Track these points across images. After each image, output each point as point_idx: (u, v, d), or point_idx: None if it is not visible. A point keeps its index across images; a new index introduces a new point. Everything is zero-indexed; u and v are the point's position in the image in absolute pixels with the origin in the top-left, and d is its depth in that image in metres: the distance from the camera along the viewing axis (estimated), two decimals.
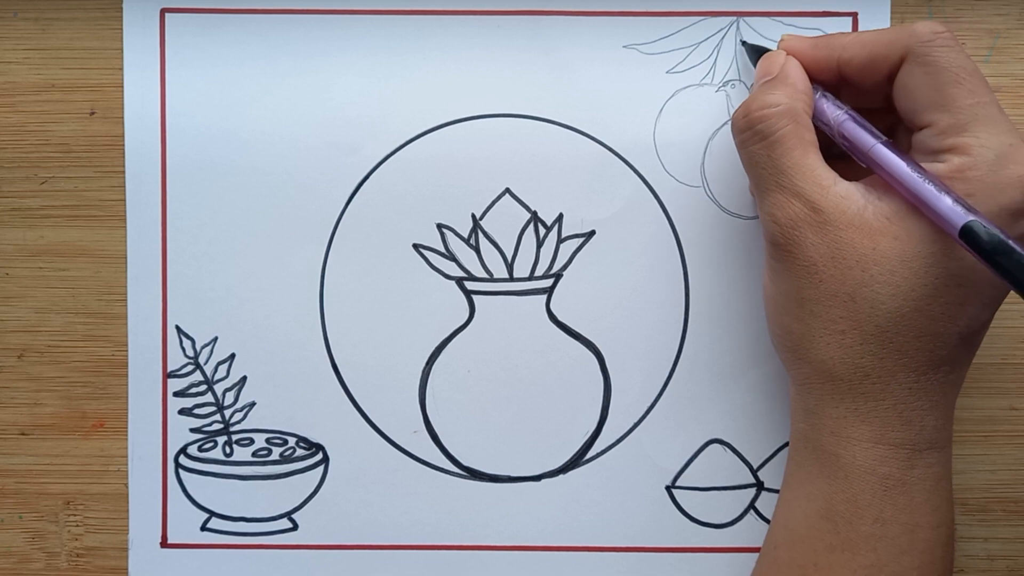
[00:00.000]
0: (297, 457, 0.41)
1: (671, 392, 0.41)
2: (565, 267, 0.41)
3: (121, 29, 0.41)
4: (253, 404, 0.41)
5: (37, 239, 0.41)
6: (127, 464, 0.42)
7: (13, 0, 0.41)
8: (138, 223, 0.41)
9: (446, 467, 0.41)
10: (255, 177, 0.41)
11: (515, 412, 0.41)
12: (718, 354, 0.41)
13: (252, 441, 0.41)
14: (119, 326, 0.41)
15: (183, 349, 0.41)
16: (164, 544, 0.42)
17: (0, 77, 0.41)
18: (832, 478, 0.35)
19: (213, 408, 0.41)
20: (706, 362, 0.41)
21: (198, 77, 0.41)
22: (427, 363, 0.41)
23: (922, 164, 0.34)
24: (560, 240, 0.41)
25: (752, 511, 0.41)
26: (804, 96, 0.35)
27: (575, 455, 0.41)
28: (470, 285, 0.41)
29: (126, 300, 0.41)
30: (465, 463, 0.41)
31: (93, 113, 0.41)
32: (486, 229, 0.41)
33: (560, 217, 0.41)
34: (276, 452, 0.41)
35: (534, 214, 0.41)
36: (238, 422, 0.41)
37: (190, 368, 0.41)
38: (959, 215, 0.31)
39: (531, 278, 0.41)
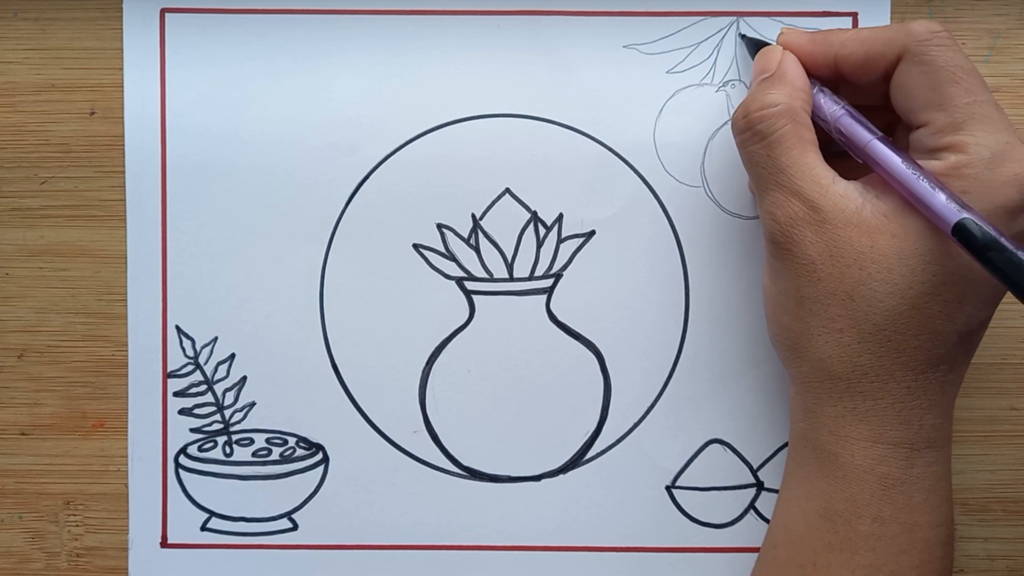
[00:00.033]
0: (297, 457, 0.41)
1: (671, 392, 0.41)
2: (565, 267, 0.41)
3: (121, 29, 0.41)
4: (253, 404, 0.41)
5: (37, 239, 0.41)
6: (127, 464, 0.42)
7: (13, 0, 0.41)
8: (138, 223, 0.41)
9: (446, 467, 0.41)
10: (255, 177, 0.41)
11: (515, 412, 0.41)
12: (718, 354, 0.41)
13: (252, 441, 0.41)
14: (119, 326, 0.41)
15: (183, 349, 0.41)
16: (164, 544, 0.42)
17: (0, 77, 0.41)
18: (831, 477, 0.35)
19: (213, 408, 0.41)
20: (706, 362, 0.41)
21: (198, 77, 0.41)
22: (427, 363, 0.41)
23: (919, 162, 0.34)
24: (560, 240, 0.41)
25: (752, 511, 0.41)
26: (802, 94, 0.35)
27: (575, 455, 0.41)
28: (470, 285, 0.41)
29: (126, 300, 0.41)
30: (465, 463, 0.41)
31: (93, 113, 0.41)
32: (486, 229, 0.41)
33: (560, 217, 0.41)
34: (276, 452, 0.41)
35: (534, 214, 0.41)
36: (238, 422, 0.41)
37: (190, 368, 0.41)
38: (952, 212, 0.31)
39: (531, 278, 0.41)
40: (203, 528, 0.41)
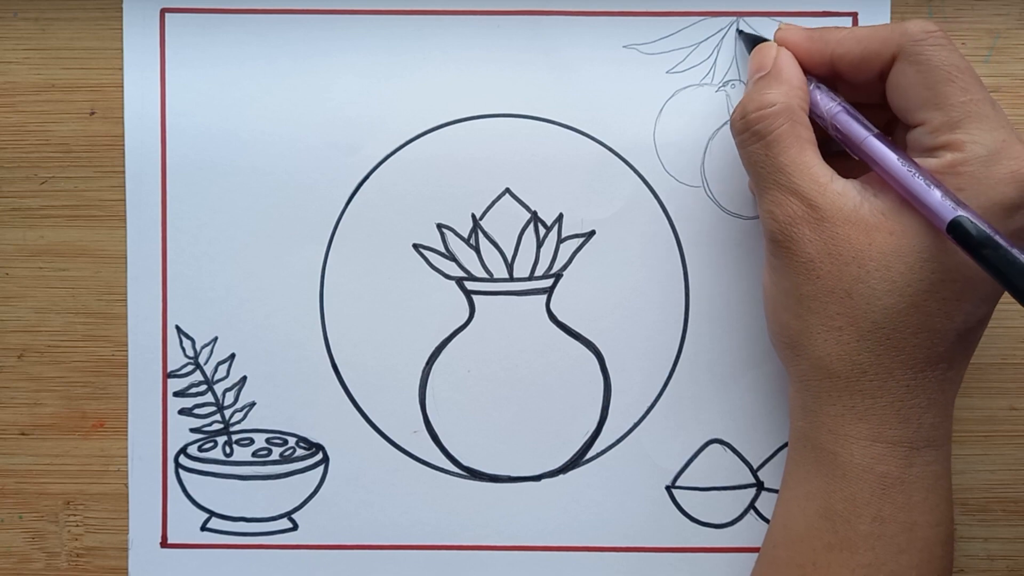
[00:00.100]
0: (297, 457, 0.41)
1: (671, 392, 0.41)
2: (565, 267, 0.41)
3: (121, 29, 0.41)
4: (253, 404, 0.41)
5: (37, 239, 0.41)
6: (127, 464, 0.42)
7: (13, 0, 0.41)
8: (138, 223, 0.41)
9: (446, 467, 0.41)
10: (255, 177, 0.41)
11: (515, 412, 0.41)
12: (718, 354, 0.41)
13: (252, 441, 0.41)
14: (119, 326, 0.41)
15: (183, 349, 0.41)
16: (164, 544, 0.42)
17: (0, 77, 0.41)
18: (830, 477, 0.35)
19: (213, 408, 0.41)
20: (706, 362, 0.41)
21: (198, 77, 0.41)
22: (427, 363, 0.41)
23: (916, 160, 0.34)
24: (560, 240, 0.41)
25: (752, 511, 0.41)
26: (799, 92, 0.35)
27: (575, 455, 0.41)
28: (470, 285, 0.41)
29: (126, 300, 0.41)
30: (465, 463, 0.41)
31: (93, 113, 0.41)
32: (486, 229, 0.41)
33: (560, 217, 0.41)
34: (276, 452, 0.41)
35: (534, 214, 0.41)
36: (238, 422, 0.41)
37: (190, 368, 0.41)
38: (948, 209, 0.31)
39: (531, 278, 0.41)
40: (203, 528, 0.41)
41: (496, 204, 0.41)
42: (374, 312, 0.41)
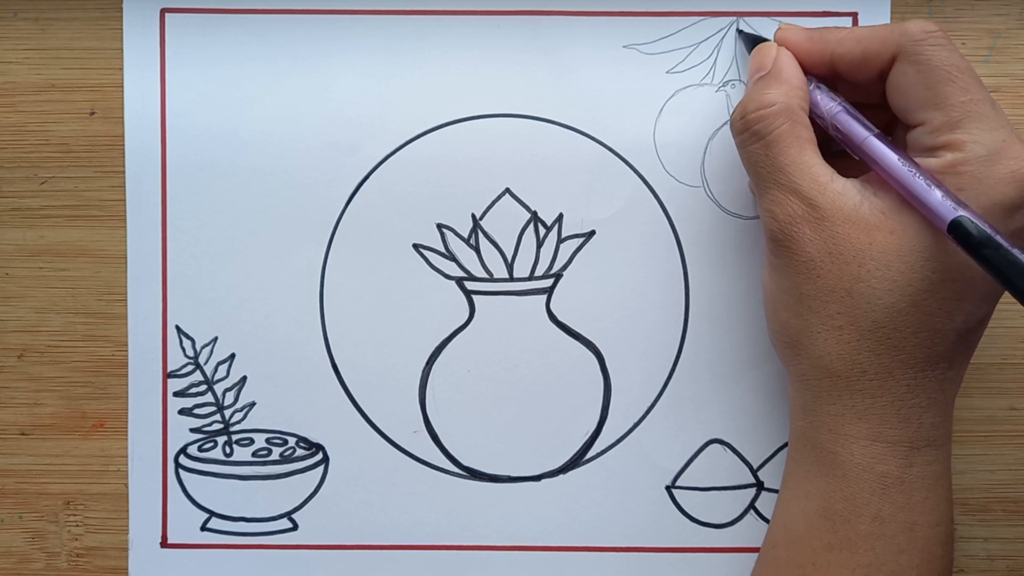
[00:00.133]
0: (297, 457, 0.41)
1: (671, 392, 0.41)
2: (565, 267, 0.41)
3: (121, 29, 0.41)
4: (253, 404, 0.41)
5: (37, 239, 0.41)
6: (127, 464, 0.42)
7: (13, 0, 0.41)
8: (138, 223, 0.41)
9: (446, 467, 0.41)
10: (255, 177, 0.41)
11: (515, 412, 0.41)
12: (718, 354, 0.41)
13: (252, 441, 0.41)
14: (119, 326, 0.41)
15: (183, 349, 0.41)
16: (164, 544, 0.42)
17: (0, 77, 0.41)
18: (830, 476, 0.35)
19: (213, 408, 0.41)
20: (706, 362, 0.41)
21: (198, 77, 0.41)
22: (427, 363, 0.41)
23: (916, 160, 0.34)
24: (560, 240, 0.41)
25: (752, 511, 0.41)
26: (799, 92, 0.35)
27: (575, 455, 0.41)
28: (470, 285, 0.41)
29: (126, 300, 0.41)
30: (465, 463, 0.41)
31: (93, 113, 0.41)
32: (486, 229, 0.41)
33: (560, 217, 0.41)
34: (276, 452, 0.41)
35: (534, 214, 0.41)
36: (238, 422, 0.41)
37: (190, 368, 0.41)
38: (948, 210, 0.31)
39: (531, 278, 0.41)
40: (203, 528, 0.41)
41: (496, 204, 0.41)
42: (374, 312, 0.41)
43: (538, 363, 0.41)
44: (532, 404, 0.41)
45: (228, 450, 0.41)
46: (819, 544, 0.35)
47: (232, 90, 0.41)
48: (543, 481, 0.41)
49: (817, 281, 0.34)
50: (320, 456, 0.41)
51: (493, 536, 0.41)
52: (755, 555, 0.39)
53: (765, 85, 0.36)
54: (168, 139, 0.41)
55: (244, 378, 0.41)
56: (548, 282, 0.41)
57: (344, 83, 0.41)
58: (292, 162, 0.41)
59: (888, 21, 0.40)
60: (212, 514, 0.41)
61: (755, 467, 0.41)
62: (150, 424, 0.41)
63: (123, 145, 0.41)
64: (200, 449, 0.41)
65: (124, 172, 0.41)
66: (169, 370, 0.41)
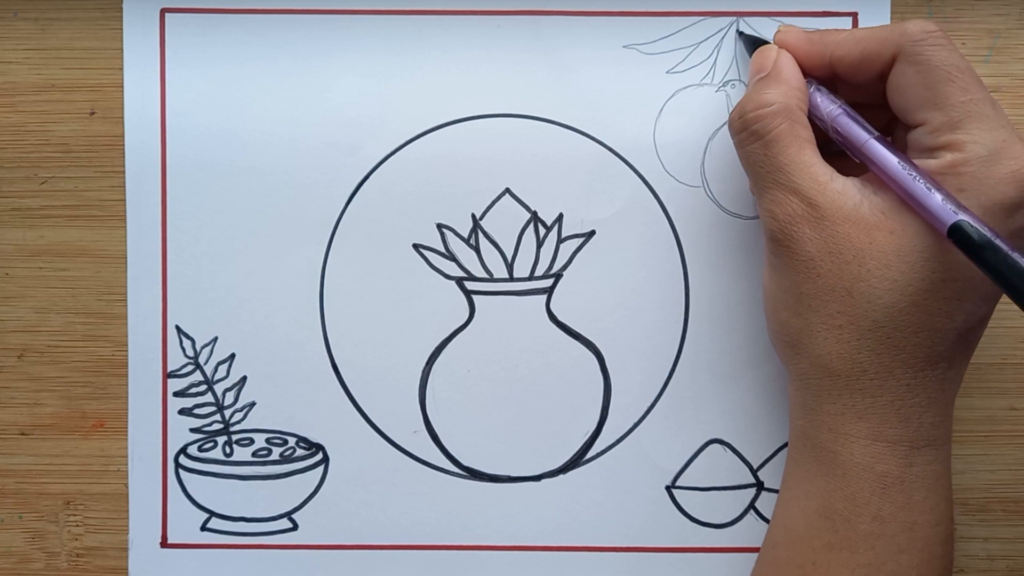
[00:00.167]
0: (297, 457, 0.41)
1: (671, 392, 0.41)
2: (565, 267, 0.41)
3: (121, 29, 0.41)
4: (253, 404, 0.41)
5: (37, 239, 0.41)
6: (127, 464, 0.42)
7: (13, 0, 0.41)
8: (138, 223, 0.41)
9: (446, 467, 0.41)
10: (255, 177, 0.41)
11: (515, 412, 0.41)
12: (718, 354, 0.41)
13: (252, 441, 0.41)
14: (119, 326, 0.41)
15: (183, 349, 0.41)
16: (164, 544, 0.42)
17: (0, 77, 0.41)
18: (830, 476, 0.35)
19: (213, 408, 0.41)
20: (706, 362, 0.41)
21: (198, 77, 0.41)
22: (427, 363, 0.41)
23: (917, 161, 0.34)
24: (560, 240, 0.41)
25: (752, 511, 0.41)
26: (798, 93, 0.35)
27: (575, 455, 0.41)
28: (470, 285, 0.41)
29: (126, 300, 0.41)
30: (465, 463, 0.41)
31: (93, 113, 0.41)
32: (486, 229, 0.41)
33: (560, 217, 0.41)
34: (276, 452, 0.41)
35: (534, 214, 0.41)
36: (238, 422, 0.41)
37: (190, 368, 0.41)
38: (948, 213, 0.31)
39: (531, 278, 0.41)
40: (203, 528, 0.41)
41: (496, 204, 0.41)
42: (374, 312, 0.41)
43: (538, 363, 0.41)
44: (532, 404, 0.41)
45: (228, 450, 0.41)
46: (819, 544, 0.35)
47: (232, 90, 0.41)
48: (543, 481, 0.41)
49: (817, 280, 0.34)
50: (320, 456, 0.41)
51: (493, 536, 0.41)
52: (755, 555, 0.39)
53: (764, 85, 0.36)
54: (168, 139, 0.41)
55: (244, 378, 0.41)
56: (548, 282, 0.41)
57: (344, 83, 0.41)
58: (292, 162, 0.41)
59: (888, 21, 0.40)
60: (212, 514, 0.41)
61: (755, 467, 0.41)
62: (150, 424, 0.41)
63: (123, 145, 0.41)
64: (200, 449, 0.41)
65: (124, 172, 0.41)
66: (169, 370, 0.41)
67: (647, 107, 0.41)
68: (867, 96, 0.36)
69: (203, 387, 0.41)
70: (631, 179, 0.41)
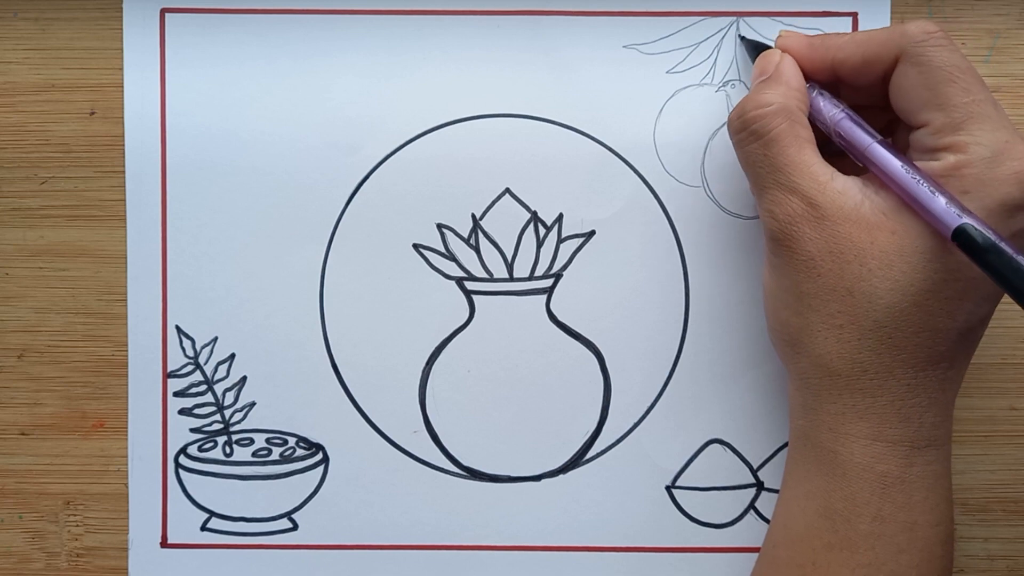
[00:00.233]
0: (297, 457, 0.41)
1: (671, 392, 0.41)
2: (565, 267, 0.41)
3: (121, 29, 0.41)
4: (253, 404, 0.41)
5: (37, 239, 0.41)
6: (127, 464, 0.42)
7: (13, 0, 0.41)
8: (138, 223, 0.41)
9: (446, 467, 0.41)
10: (255, 177, 0.41)
11: (515, 412, 0.41)
12: (718, 354, 0.41)
13: (252, 441, 0.41)
14: (119, 326, 0.41)
15: (183, 349, 0.41)
16: (164, 544, 0.42)
17: (0, 77, 0.41)
18: (830, 476, 0.35)
19: (213, 408, 0.41)
20: (706, 362, 0.41)
21: (198, 77, 0.41)
22: (427, 363, 0.41)
23: (919, 162, 0.34)
24: (560, 240, 0.41)
25: (752, 511, 0.41)
26: (798, 94, 0.35)
27: (575, 455, 0.41)
28: (470, 285, 0.41)
29: (126, 300, 0.41)
30: (465, 463, 0.41)
31: (93, 113, 0.41)
32: (486, 229, 0.41)
33: (560, 217, 0.41)
34: (276, 452, 0.41)
35: (534, 214, 0.41)
36: (238, 422, 0.41)
37: (190, 368, 0.41)
38: (952, 217, 0.31)
39: (531, 278, 0.41)
40: (203, 528, 0.41)
41: (496, 204, 0.41)
42: (374, 312, 0.41)
43: (538, 363, 0.41)
44: (532, 404, 0.41)
45: (228, 450, 0.41)
46: (819, 544, 0.35)
47: (232, 90, 0.41)
48: (543, 481, 0.41)
49: (818, 280, 0.34)
50: (320, 456, 0.41)
51: (493, 536, 0.41)
52: (755, 555, 0.39)
53: (764, 87, 0.36)
54: (168, 139, 0.41)
55: (244, 378, 0.41)
56: (548, 282, 0.41)
57: (344, 83, 0.41)
58: (292, 162, 0.41)
59: (888, 21, 0.40)
60: (212, 514, 0.41)
61: (755, 467, 0.41)
62: (150, 424, 0.41)
63: (123, 145, 0.41)
64: (200, 449, 0.41)
65: (124, 172, 0.41)
66: (169, 370, 0.41)
67: (647, 107, 0.41)
68: (869, 98, 0.36)
69: (203, 387, 0.41)
70: (631, 179, 0.41)
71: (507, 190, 0.41)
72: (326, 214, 0.41)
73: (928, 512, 0.34)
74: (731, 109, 0.40)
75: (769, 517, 0.41)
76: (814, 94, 0.36)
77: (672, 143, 0.41)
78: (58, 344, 0.42)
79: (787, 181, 0.34)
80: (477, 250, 0.41)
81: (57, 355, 0.42)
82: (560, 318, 0.41)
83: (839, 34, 0.37)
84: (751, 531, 0.41)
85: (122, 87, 0.41)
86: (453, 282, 0.41)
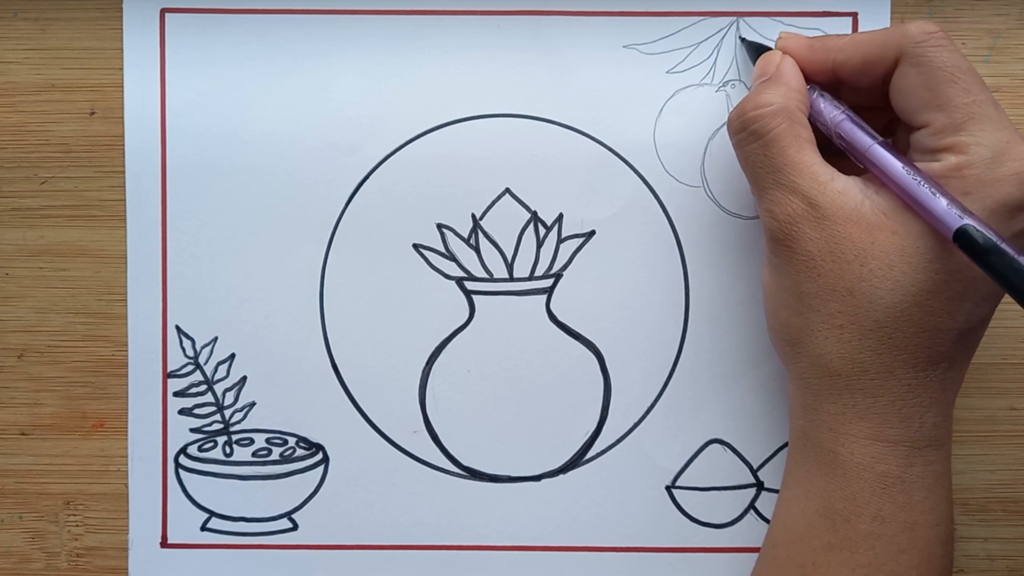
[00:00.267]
0: (297, 457, 0.41)
1: (671, 392, 0.41)
2: (565, 267, 0.41)
3: (121, 29, 0.41)
4: (253, 404, 0.41)
5: (37, 239, 0.41)
6: (127, 464, 0.42)
7: (13, 0, 0.41)
8: (138, 223, 0.41)
9: (446, 467, 0.41)
10: (255, 177, 0.41)
11: (515, 412, 0.41)
12: (718, 354, 0.41)
13: (252, 441, 0.41)
14: (119, 326, 0.41)
15: (183, 349, 0.41)
16: (164, 544, 0.42)
17: (0, 77, 0.41)
18: (830, 476, 0.35)
19: (213, 408, 0.41)
20: (706, 362, 0.41)
21: (198, 77, 0.41)
22: (427, 363, 0.41)
23: (920, 163, 0.34)
24: (560, 240, 0.41)
25: (752, 511, 0.41)
26: (797, 95, 0.35)
27: (575, 455, 0.41)
28: (470, 285, 0.41)
29: (126, 300, 0.41)
30: (465, 463, 0.41)
31: (93, 113, 0.41)
32: (486, 229, 0.41)
33: (560, 217, 0.41)
34: (276, 452, 0.41)
35: (534, 214, 0.41)
36: (238, 422, 0.41)
37: (190, 368, 0.41)
38: (954, 218, 0.32)
39: (531, 278, 0.41)
40: (203, 528, 0.41)
41: (496, 204, 0.41)
42: (374, 312, 0.41)
43: (538, 363, 0.41)
44: (532, 404, 0.41)
45: (228, 450, 0.41)
46: (819, 543, 0.35)
47: (232, 90, 0.41)
48: (543, 481, 0.41)
49: (818, 280, 0.34)
50: (320, 456, 0.41)
51: (493, 536, 0.41)
52: (755, 555, 0.39)
53: (764, 87, 0.36)
54: (168, 139, 0.41)
55: (244, 378, 0.41)
56: (548, 282, 0.41)
57: (344, 83, 0.41)
58: (292, 162, 0.41)
59: (888, 21, 0.40)
60: (212, 514, 0.41)
61: (755, 467, 0.41)
62: (150, 424, 0.41)
63: (123, 145, 0.41)
64: (200, 449, 0.41)
65: (124, 172, 0.41)
66: (169, 370, 0.41)
67: (647, 107, 0.41)
68: (869, 99, 0.36)
69: (203, 387, 0.41)
70: (631, 179, 0.41)
71: (507, 190, 0.41)
72: (326, 214, 0.41)
73: (928, 512, 0.34)
74: (731, 109, 0.40)
75: (769, 517, 0.41)
76: (815, 96, 0.36)
77: (672, 143, 0.41)
78: (58, 344, 0.42)
79: (787, 181, 0.34)
80: (477, 250, 0.41)
81: (57, 355, 0.42)
82: (560, 318, 0.41)
83: (839, 36, 0.37)
84: (751, 531, 0.41)
85: (122, 87, 0.41)
86: (453, 282, 0.41)
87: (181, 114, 0.41)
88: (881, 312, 0.33)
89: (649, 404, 0.41)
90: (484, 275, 0.41)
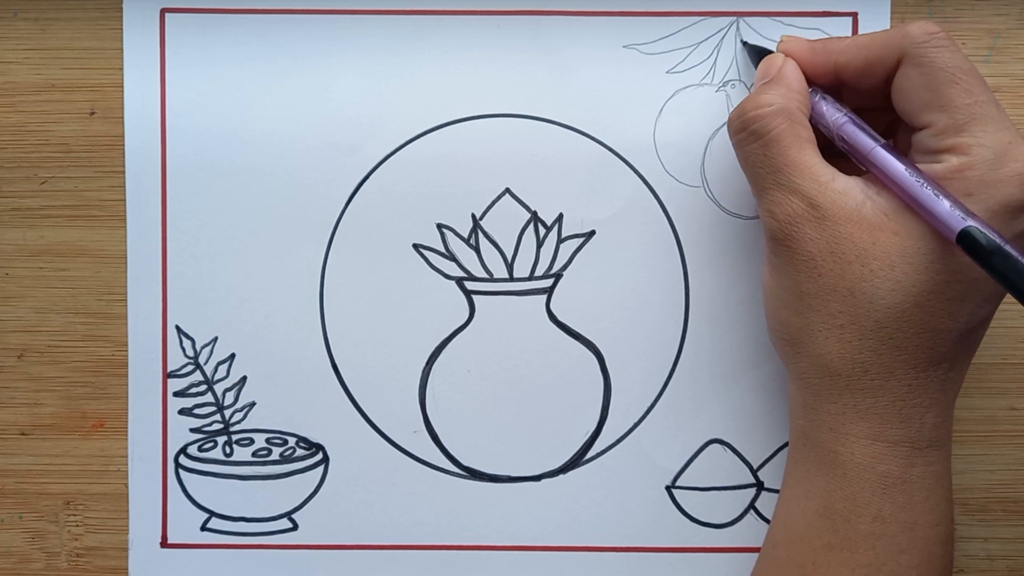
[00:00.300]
0: (297, 457, 0.41)
1: (671, 392, 0.41)
2: (565, 267, 0.41)
3: (121, 29, 0.41)
4: (253, 404, 0.41)
5: (37, 239, 0.41)
6: (127, 464, 0.42)
7: (13, 0, 0.41)
8: (138, 223, 0.41)
9: (446, 467, 0.41)
10: (255, 177, 0.41)
11: (515, 412, 0.41)
12: (718, 354, 0.41)
13: (252, 441, 0.41)
14: (119, 326, 0.41)
15: (183, 349, 0.41)
16: (164, 544, 0.42)
17: (0, 77, 0.41)
18: (831, 476, 0.35)
19: (213, 408, 0.41)
20: (706, 362, 0.41)
21: (198, 77, 0.41)
22: (427, 363, 0.41)
23: (922, 164, 0.34)
24: (560, 240, 0.41)
25: (752, 511, 0.41)
26: (798, 96, 0.35)
27: (575, 455, 0.41)
28: (470, 285, 0.41)
29: (126, 300, 0.41)
30: (465, 463, 0.41)
31: (93, 113, 0.41)
32: (486, 229, 0.41)
33: (560, 217, 0.41)
34: (276, 452, 0.41)
35: (534, 214, 0.41)
36: (238, 422, 0.41)
37: (190, 368, 0.41)
38: (957, 219, 0.32)
39: (531, 278, 0.41)
40: (203, 528, 0.41)
41: (496, 204, 0.41)
42: (374, 312, 0.41)
43: (538, 363, 0.41)
44: (532, 404, 0.41)
45: (228, 450, 0.41)
46: (819, 544, 0.35)
47: (232, 90, 0.41)
48: (543, 481, 0.41)
49: (818, 280, 0.34)
50: (320, 456, 0.41)
51: (493, 536, 0.41)
52: (755, 555, 0.39)
53: (765, 88, 0.36)
54: (168, 139, 0.41)
55: (244, 378, 0.41)
56: (548, 282, 0.41)
57: (344, 83, 0.41)
58: (292, 162, 0.41)
59: (888, 21, 0.40)
60: (212, 514, 0.41)
61: (755, 467, 0.41)
62: (150, 424, 0.41)
63: (123, 145, 0.41)
64: (200, 449, 0.41)
65: (124, 172, 0.41)
66: (169, 370, 0.41)
67: (647, 107, 0.41)
68: (871, 100, 0.36)
69: (203, 387, 0.41)
70: (631, 179, 0.41)
71: (507, 190, 0.41)
72: (326, 214, 0.41)
73: (928, 512, 0.34)
74: (731, 109, 0.40)
75: (769, 517, 0.41)
76: (816, 98, 0.36)
77: (672, 143, 0.41)
78: (58, 344, 0.42)
79: (787, 181, 0.34)
80: (477, 250, 0.41)
81: (57, 355, 0.42)
82: (560, 318, 0.41)
83: (841, 38, 0.37)
84: (751, 531, 0.41)
85: (122, 87, 0.41)
86: (453, 282, 0.41)
87: (181, 114, 0.41)
88: (882, 312, 0.33)
89: (649, 404, 0.41)
90: (484, 275, 0.41)
